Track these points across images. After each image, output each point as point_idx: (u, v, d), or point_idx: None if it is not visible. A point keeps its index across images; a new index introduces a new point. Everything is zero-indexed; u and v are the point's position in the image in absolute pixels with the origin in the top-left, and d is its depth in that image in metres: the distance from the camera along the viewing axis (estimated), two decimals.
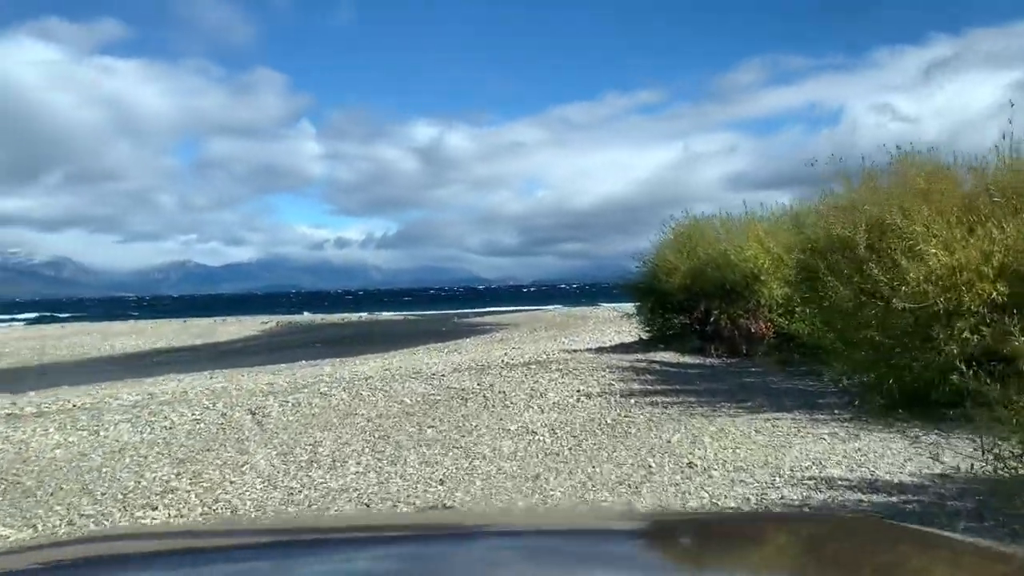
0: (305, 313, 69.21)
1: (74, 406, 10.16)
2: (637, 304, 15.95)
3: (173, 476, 6.10)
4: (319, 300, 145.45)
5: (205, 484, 5.92)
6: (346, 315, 61.86)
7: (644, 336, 16.47)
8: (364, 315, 61.97)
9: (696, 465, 6.12)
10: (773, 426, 7.54)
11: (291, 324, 52.52)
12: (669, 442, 6.94)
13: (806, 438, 7.00)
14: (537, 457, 6.55)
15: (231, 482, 5.97)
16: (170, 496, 5.61)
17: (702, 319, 14.60)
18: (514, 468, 6.20)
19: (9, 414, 9.48)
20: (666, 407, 8.70)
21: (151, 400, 10.30)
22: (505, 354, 17.78)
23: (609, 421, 7.92)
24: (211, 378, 17.76)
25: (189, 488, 5.81)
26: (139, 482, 5.95)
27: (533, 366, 12.54)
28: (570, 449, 6.79)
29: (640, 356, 13.67)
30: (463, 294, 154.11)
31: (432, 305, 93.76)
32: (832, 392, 9.71)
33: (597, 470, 6.06)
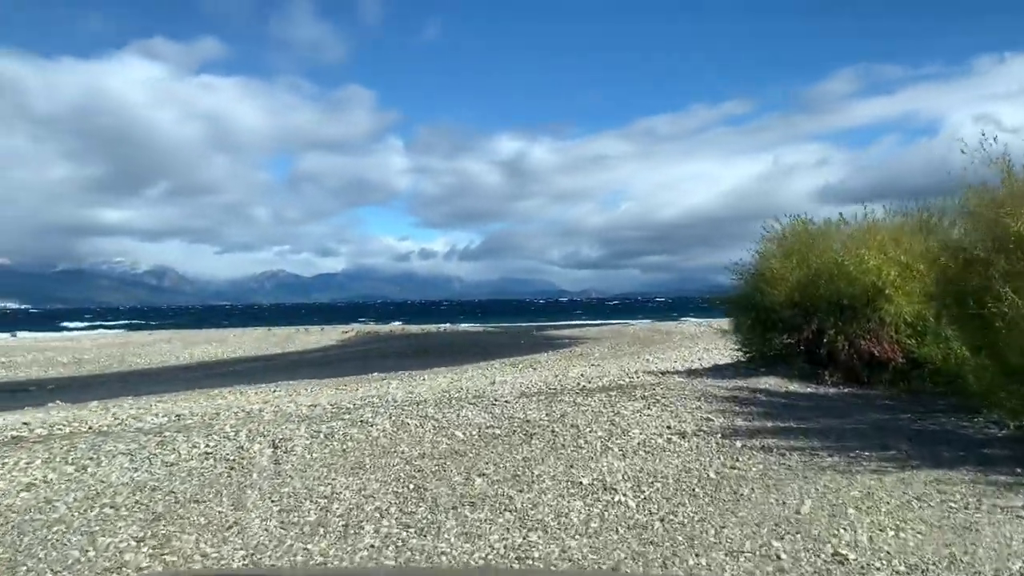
0: (395, 323, 68.99)
1: (89, 428, 9.00)
2: (733, 320, 13.83)
3: (133, 543, 4.65)
4: (403, 310, 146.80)
5: (168, 556, 4.43)
6: (426, 326, 61.18)
7: (741, 357, 14.38)
8: (445, 326, 61.16)
9: (847, 559, 4.26)
10: (940, 492, 5.56)
11: (371, 334, 52.07)
12: (798, 514, 5.08)
13: (996, 514, 5.02)
14: (617, 531, 4.81)
15: (203, 554, 4.46)
16: None
17: (813, 339, 12.45)
18: (584, 550, 4.49)
19: (14, 437, 8.35)
20: (783, 454, 6.80)
21: (173, 423, 9.03)
22: (582, 374, 16.02)
23: (712, 475, 6.10)
24: (274, 391, 16.70)
25: (145, 564, 4.32)
26: (86, 551, 4.52)
27: (613, 392, 10.75)
28: (662, 520, 5.01)
29: (740, 382, 11.66)
30: (544, 306, 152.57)
31: (513, 317, 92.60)
32: (1001, 439, 7.58)
33: (702, 560, 4.28)
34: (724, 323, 17.46)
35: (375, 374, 22.72)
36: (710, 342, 28.84)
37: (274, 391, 17.21)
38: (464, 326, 63.82)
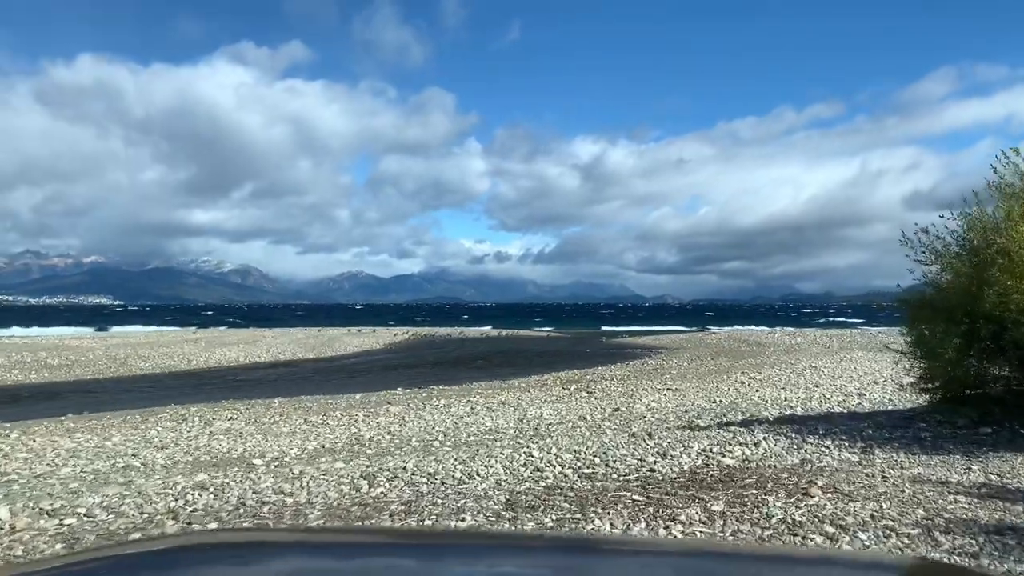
0: (457, 327, 64.88)
1: None
2: (915, 333, 8.09)
3: None
4: (474, 312, 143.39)
5: None
6: (490, 329, 56.71)
7: (929, 390, 8.66)
8: (507, 331, 56.54)
9: None
10: None
11: (425, 337, 47.91)
12: None
13: None
14: None
15: None
16: None
17: None
18: None
19: None
20: None
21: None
22: (654, 407, 11.03)
23: None
24: (269, 407, 12.34)
25: None
26: None
27: (708, 486, 5.68)
28: None
29: (973, 469, 6.29)
30: (618, 311, 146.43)
31: (584, 322, 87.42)
32: None
33: None
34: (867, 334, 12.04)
35: (399, 391, 18.25)
36: (815, 357, 23.25)
37: (268, 408, 12.86)
38: (529, 331, 59.09)
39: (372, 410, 12.64)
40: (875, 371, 17.66)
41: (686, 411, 10.86)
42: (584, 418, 10.32)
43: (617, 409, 11.28)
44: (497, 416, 10.95)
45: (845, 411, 10.03)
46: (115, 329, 60.42)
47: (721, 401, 11.86)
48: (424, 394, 16.09)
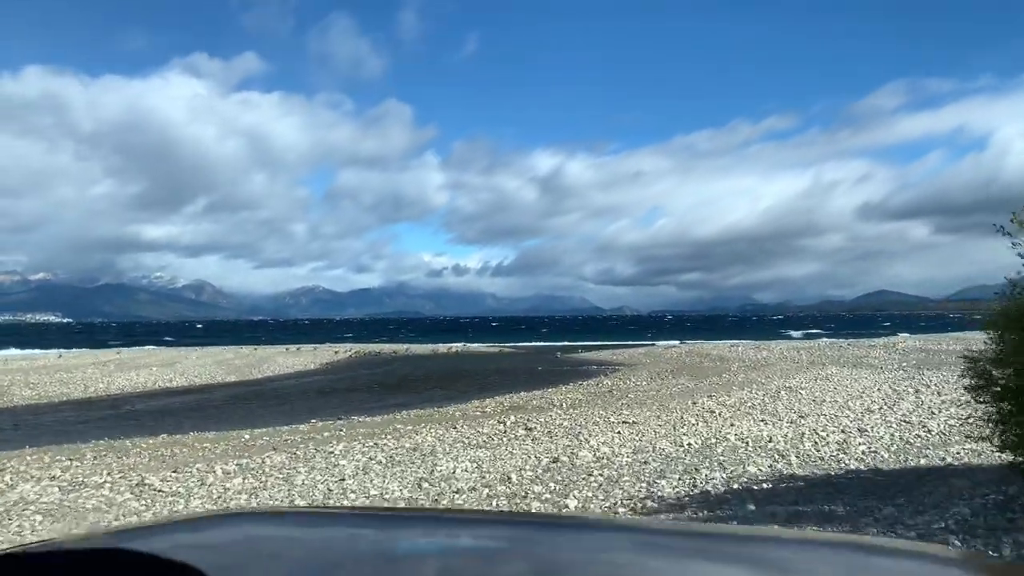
0: (411, 344, 61.72)
1: None
2: (1003, 356, 5.25)
3: None
4: (431, 327, 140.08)
5: None
6: (437, 346, 53.81)
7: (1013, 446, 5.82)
8: (458, 346, 53.70)
9: None
10: None
11: (369, 355, 44.85)
12: None
13: None
14: None
15: None
16: None
17: None
18: None
19: None
20: None
21: None
22: (608, 449, 8.46)
23: None
24: (120, 454, 9.40)
25: None
26: None
27: None
28: None
29: None
30: (578, 324, 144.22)
31: (542, 336, 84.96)
32: None
33: None
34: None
35: (306, 425, 15.45)
36: (788, 375, 20.96)
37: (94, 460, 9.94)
38: (481, 346, 56.32)
39: (245, 460, 9.82)
40: (861, 393, 15.34)
41: (645, 462, 8.27)
42: (508, 478, 7.66)
43: (556, 460, 8.64)
44: (394, 474, 8.22)
45: (862, 466, 7.52)
46: (13, 351, 53.50)
47: (690, 445, 9.29)
48: (331, 431, 13.27)
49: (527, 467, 8.33)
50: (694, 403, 15.27)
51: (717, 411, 13.49)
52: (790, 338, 60.60)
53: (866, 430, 9.90)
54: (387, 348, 52.01)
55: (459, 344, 56.81)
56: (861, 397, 14.51)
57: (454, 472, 8.11)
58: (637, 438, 10.24)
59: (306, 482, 8.02)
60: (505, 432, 11.56)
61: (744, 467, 7.75)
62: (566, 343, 60.64)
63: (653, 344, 56.55)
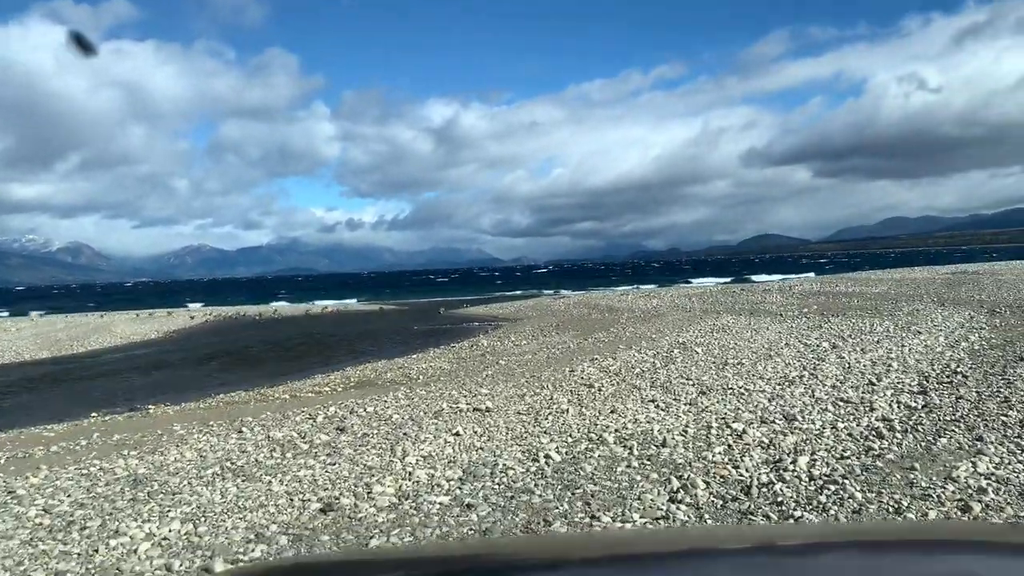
0: (280, 304, 56.90)
1: None
2: None
3: None
4: (317, 284, 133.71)
5: None
6: (312, 306, 49.45)
7: None
8: (333, 305, 49.55)
9: None
10: None
11: (226, 319, 40.29)
12: None
13: None
14: None
15: None
16: None
17: None
18: None
19: None
20: None
21: None
22: (432, 466, 5.20)
23: None
24: None
25: None
26: None
27: None
28: None
29: None
30: (473, 278, 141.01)
31: (434, 290, 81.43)
32: None
33: None
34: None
35: (87, 420, 11.72)
36: (680, 328, 18.44)
37: None
38: (360, 304, 52.42)
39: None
40: (768, 349, 12.80)
41: (470, 504, 5.11)
42: (207, 572, 4.32)
43: (331, 505, 5.35)
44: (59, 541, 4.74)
45: (814, 512, 4.55)
46: None
47: (549, 459, 6.18)
48: (86, 437, 9.53)
49: (270, 523, 5.03)
50: (572, 371, 12.33)
51: (597, 384, 10.56)
52: (682, 283, 59.53)
53: (795, 418, 7.09)
54: (256, 310, 47.36)
55: (335, 303, 52.70)
56: (771, 357, 11.91)
57: (125, 554, 4.70)
58: (481, 442, 7.11)
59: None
60: (304, 436, 8.22)
61: (624, 509, 4.73)
62: (456, 297, 57.42)
63: (548, 294, 54.26)
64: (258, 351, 23.63)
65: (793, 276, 57.03)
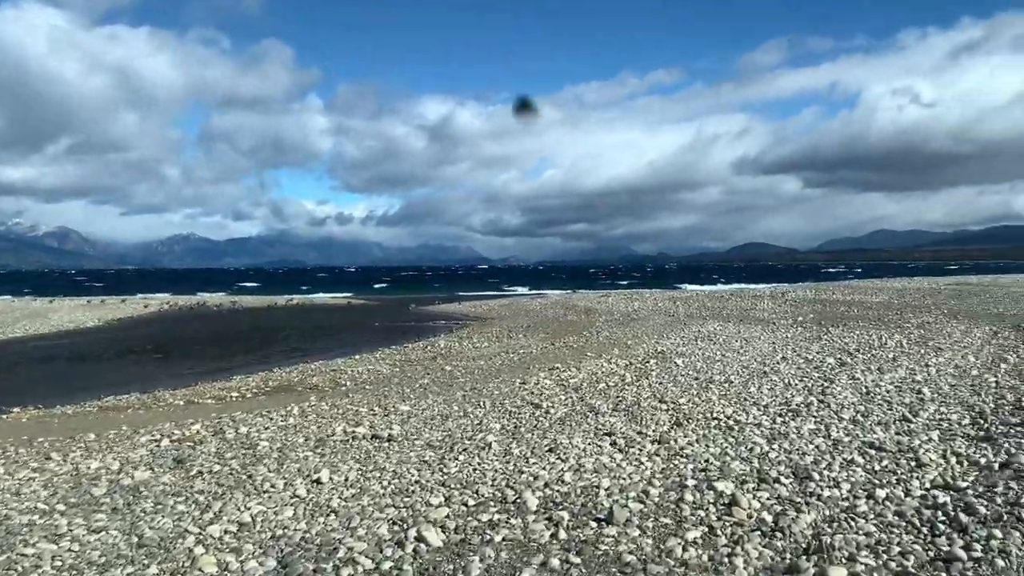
0: (253, 297, 54.20)
1: None
2: None
3: None
4: (304, 278, 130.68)
5: None
6: (277, 299, 46.79)
7: None
8: (299, 298, 46.97)
9: None
10: None
11: (182, 309, 37.73)
12: None
13: None
14: None
15: None
16: None
17: None
18: None
19: None
20: None
21: None
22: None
23: None
24: None
25: None
26: None
27: None
28: None
29: None
30: (458, 276, 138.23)
31: (410, 287, 78.96)
32: None
33: None
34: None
35: None
36: (660, 333, 16.16)
37: None
38: (328, 297, 49.94)
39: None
40: (761, 364, 10.54)
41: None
42: None
43: None
44: None
45: None
46: None
47: (425, 539, 3.87)
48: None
49: None
50: (523, 383, 10.03)
51: (546, 403, 8.26)
52: (669, 288, 57.32)
53: (809, 476, 4.79)
54: (217, 300, 44.77)
55: (300, 296, 50.18)
56: (766, 374, 9.63)
57: None
58: (340, 501, 4.79)
59: None
60: (119, 470, 5.86)
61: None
62: (430, 294, 54.96)
63: (531, 293, 51.99)
64: (195, 345, 21.17)
65: (787, 285, 55.02)
